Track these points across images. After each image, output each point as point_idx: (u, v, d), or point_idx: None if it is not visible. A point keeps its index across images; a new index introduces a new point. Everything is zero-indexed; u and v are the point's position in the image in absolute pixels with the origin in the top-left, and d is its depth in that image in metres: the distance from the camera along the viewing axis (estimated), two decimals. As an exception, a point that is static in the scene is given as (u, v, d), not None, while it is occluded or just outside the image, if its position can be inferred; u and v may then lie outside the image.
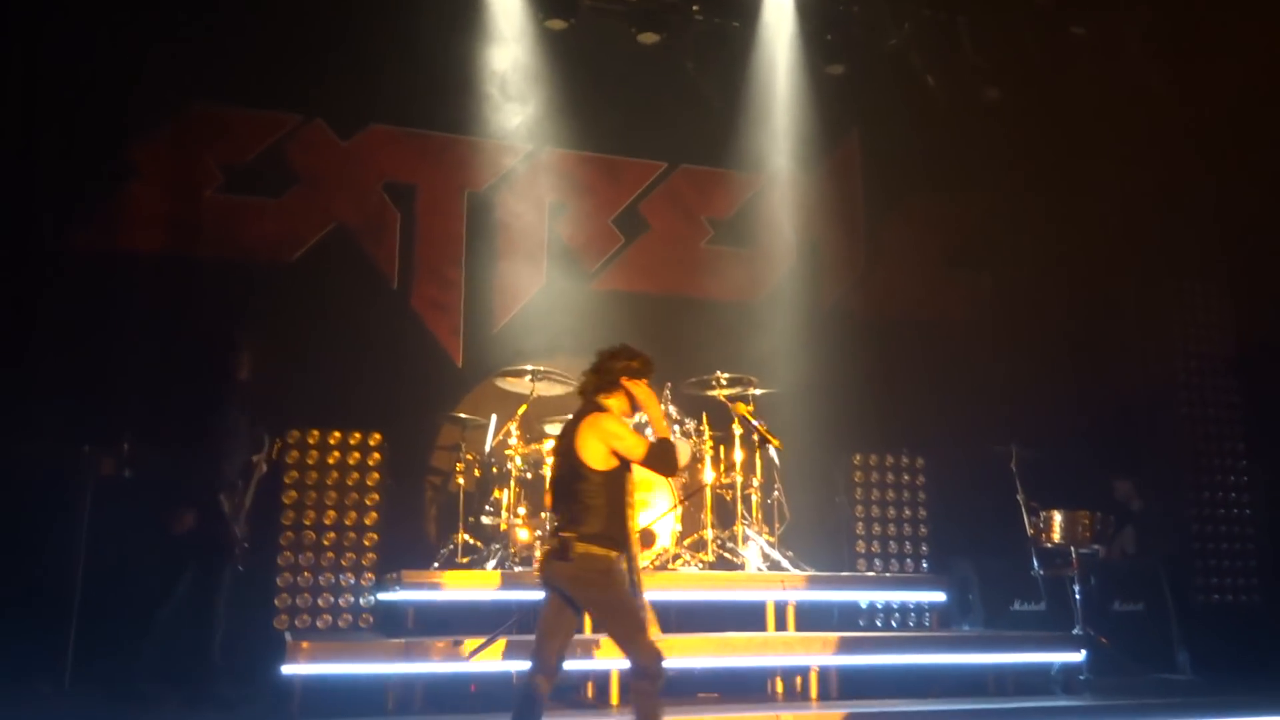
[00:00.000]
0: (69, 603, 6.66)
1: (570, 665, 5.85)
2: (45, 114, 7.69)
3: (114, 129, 7.96)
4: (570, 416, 4.77)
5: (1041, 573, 7.65)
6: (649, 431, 4.98)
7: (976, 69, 9.39)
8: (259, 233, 8.37)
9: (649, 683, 4.38)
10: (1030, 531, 7.63)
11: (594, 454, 4.51)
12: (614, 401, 4.68)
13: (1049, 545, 7.53)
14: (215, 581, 6.09)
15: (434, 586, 6.45)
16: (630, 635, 4.43)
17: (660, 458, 4.52)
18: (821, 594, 7.12)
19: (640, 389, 4.68)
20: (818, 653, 6.15)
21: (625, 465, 4.58)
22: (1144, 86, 9.51)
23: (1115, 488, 8.61)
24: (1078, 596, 7.32)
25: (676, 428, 7.38)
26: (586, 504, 4.48)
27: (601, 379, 4.70)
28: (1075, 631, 7.14)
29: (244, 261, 8.23)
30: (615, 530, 4.49)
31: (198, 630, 6.03)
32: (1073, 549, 7.40)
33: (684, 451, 4.74)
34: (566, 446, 4.62)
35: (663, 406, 7.41)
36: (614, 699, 5.89)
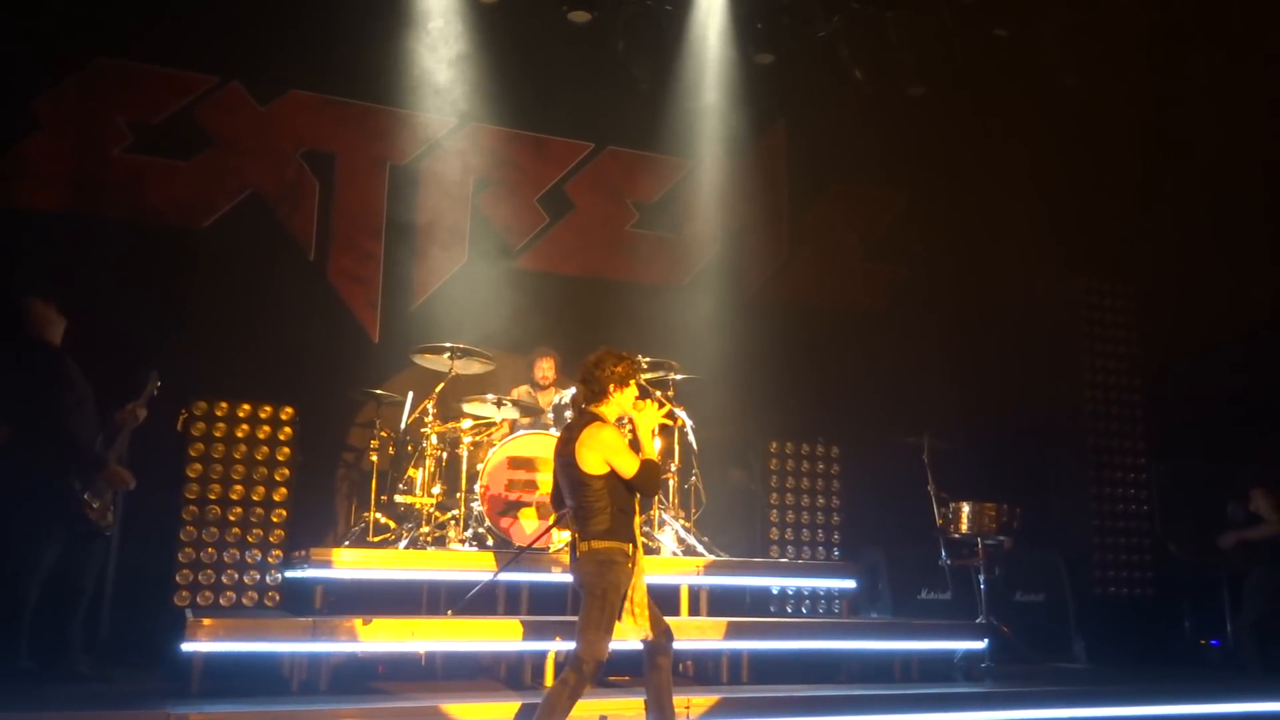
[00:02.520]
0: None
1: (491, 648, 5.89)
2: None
3: (16, 78, 7.57)
4: (565, 427, 4.89)
5: (948, 562, 7.79)
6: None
7: (903, 65, 9.49)
8: (169, 196, 8.07)
9: (573, 673, 4.48)
10: (939, 522, 7.76)
11: (592, 463, 4.62)
12: (607, 409, 4.76)
13: (956, 536, 7.67)
14: (79, 553, 5.84)
15: (344, 565, 6.29)
16: (586, 624, 4.53)
17: (645, 481, 4.66)
18: (735, 579, 7.17)
19: (633, 406, 4.80)
20: (730, 637, 6.18)
21: None
22: (1060, 89, 9.73)
23: None
24: (982, 586, 7.47)
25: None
26: (592, 507, 4.60)
27: (592, 389, 4.77)
28: (979, 620, 7.29)
29: (153, 225, 7.93)
30: (620, 527, 4.62)
31: (61, 603, 5.81)
32: (979, 540, 7.55)
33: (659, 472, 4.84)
34: (566, 459, 4.71)
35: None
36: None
